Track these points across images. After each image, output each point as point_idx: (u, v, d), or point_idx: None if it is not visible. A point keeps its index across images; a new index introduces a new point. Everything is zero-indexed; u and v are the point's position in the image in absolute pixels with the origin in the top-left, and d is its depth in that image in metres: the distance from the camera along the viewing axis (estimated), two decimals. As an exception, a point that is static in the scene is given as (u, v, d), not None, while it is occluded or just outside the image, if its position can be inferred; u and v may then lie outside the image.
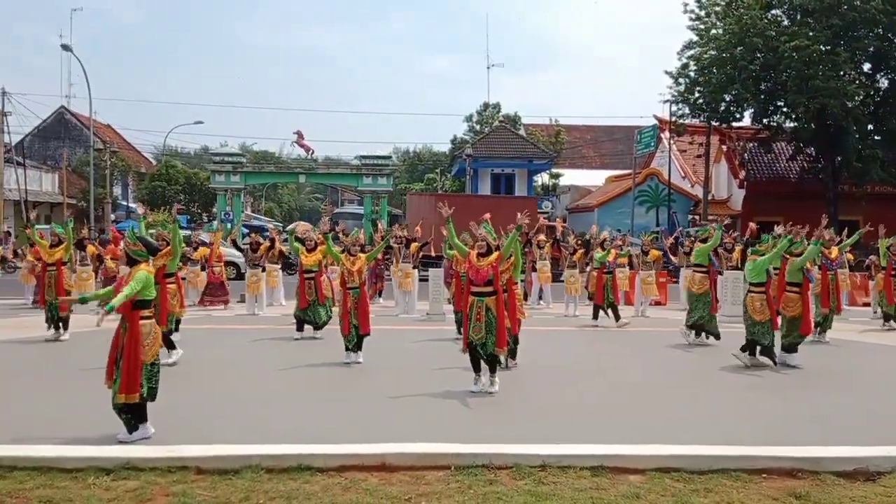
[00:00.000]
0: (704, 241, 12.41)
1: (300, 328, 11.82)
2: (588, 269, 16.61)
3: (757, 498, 5.04)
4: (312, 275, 11.78)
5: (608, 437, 6.12)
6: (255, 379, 8.70)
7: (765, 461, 5.58)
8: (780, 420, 6.98)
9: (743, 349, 9.81)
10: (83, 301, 6.03)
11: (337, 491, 5.06)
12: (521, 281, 14.99)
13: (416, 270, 15.65)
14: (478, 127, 52.12)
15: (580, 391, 8.18)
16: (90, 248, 15.43)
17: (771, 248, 10.08)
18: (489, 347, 7.79)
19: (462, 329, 8.64)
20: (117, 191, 48.85)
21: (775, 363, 9.69)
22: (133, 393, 5.87)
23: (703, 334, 11.84)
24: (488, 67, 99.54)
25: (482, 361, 7.95)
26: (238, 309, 15.72)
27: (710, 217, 35.17)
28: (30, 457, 5.49)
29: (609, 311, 13.81)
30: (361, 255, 9.90)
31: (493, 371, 7.94)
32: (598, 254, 14.20)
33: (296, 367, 9.29)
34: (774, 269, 11.11)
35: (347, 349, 9.57)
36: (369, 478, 5.32)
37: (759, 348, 9.73)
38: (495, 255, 7.94)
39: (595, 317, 14.10)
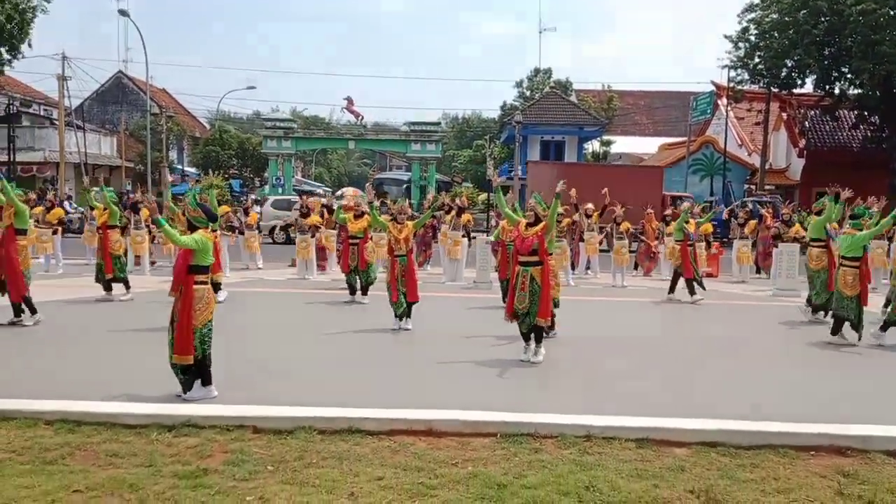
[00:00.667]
0: (819, 213, 11.36)
1: (352, 292, 12.07)
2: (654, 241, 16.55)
3: (804, 475, 5.02)
4: (357, 241, 11.94)
5: (655, 409, 6.13)
6: (308, 343, 8.95)
7: (814, 438, 5.54)
8: (851, 397, 6.88)
9: (833, 332, 9.59)
10: (158, 223, 6.25)
11: (386, 454, 5.22)
12: (570, 250, 14.91)
13: (465, 239, 15.71)
14: (528, 93, 51.48)
15: (628, 363, 8.18)
16: (144, 212, 15.55)
17: (874, 223, 9.83)
18: (532, 317, 7.87)
19: (506, 297, 8.70)
20: (173, 155, 49.92)
21: (859, 338, 9.42)
22: (186, 355, 6.12)
23: (822, 313, 11.04)
24: (540, 32, 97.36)
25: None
26: (290, 273, 16.04)
27: (766, 187, 34.32)
28: (96, 412, 5.79)
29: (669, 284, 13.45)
30: (409, 223, 9.97)
31: (537, 341, 8.00)
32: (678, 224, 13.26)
33: (346, 333, 9.49)
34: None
35: (396, 316, 9.74)
36: (417, 442, 5.46)
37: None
38: (541, 224, 7.95)
39: (692, 292, 12.94)
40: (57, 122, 37.42)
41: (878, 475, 5.04)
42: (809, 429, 5.67)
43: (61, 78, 35.91)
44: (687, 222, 13.15)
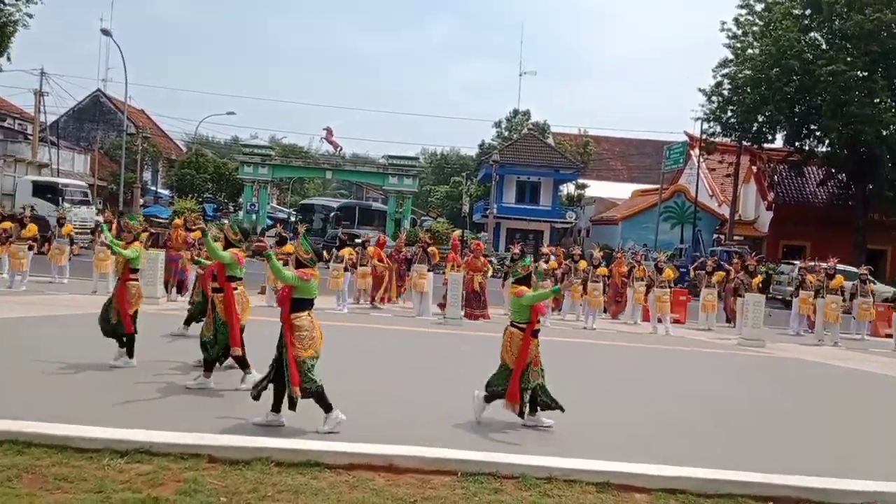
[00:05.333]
0: None
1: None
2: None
3: (761, 525, 5.02)
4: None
5: (618, 454, 6.11)
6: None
7: (772, 489, 5.55)
8: (818, 448, 6.92)
9: None
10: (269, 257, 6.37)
11: (344, 489, 5.12)
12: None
13: (431, 273, 15.62)
14: (506, 133, 52.14)
15: (594, 407, 8.16)
16: (31, 228, 15.93)
17: None
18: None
19: None
20: (147, 176, 49.49)
21: None
22: (294, 385, 6.07)
23: None
24: (520, 75, 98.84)
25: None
26: (256, 301, 15.81)
27: (735, 237, 34.90)
28: (47, 434, 5.60)
29: None
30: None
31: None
32: None
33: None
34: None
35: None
36: (376, 478, 5.37)
37: None
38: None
39: None
40: (31, 137, 36.97)
41: (834, 529, 5.06)
42: (768, 479, 5.68)
43: (38, 93, 35.63)
44: None
